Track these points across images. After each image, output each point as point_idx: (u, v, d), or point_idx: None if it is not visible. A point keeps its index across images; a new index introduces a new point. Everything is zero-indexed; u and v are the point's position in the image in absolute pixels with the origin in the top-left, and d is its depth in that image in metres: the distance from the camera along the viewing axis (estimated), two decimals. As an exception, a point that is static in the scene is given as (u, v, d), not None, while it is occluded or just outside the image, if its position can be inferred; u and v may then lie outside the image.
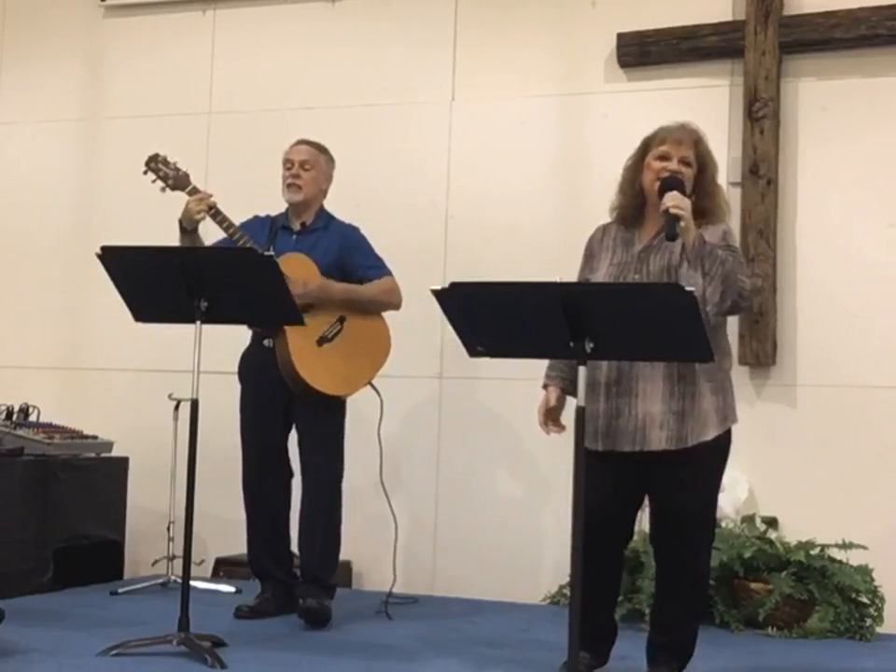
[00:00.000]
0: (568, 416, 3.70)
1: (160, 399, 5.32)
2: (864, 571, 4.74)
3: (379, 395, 4.68)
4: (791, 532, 5.00)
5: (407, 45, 5.92)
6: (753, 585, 4.76)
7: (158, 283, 3.95)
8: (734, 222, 5.29)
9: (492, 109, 5.78)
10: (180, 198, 4.57)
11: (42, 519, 5.13)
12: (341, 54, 6.00)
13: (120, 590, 5.13)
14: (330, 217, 4.81)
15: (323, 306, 4.56)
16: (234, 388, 4.79)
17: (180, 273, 3.87)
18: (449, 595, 5.43)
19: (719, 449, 3.60)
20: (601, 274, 3.67)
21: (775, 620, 4.69)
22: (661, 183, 3.54)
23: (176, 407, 5.24)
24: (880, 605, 4.74)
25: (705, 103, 5.44)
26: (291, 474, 4.75)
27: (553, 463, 5.11)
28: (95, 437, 5.60)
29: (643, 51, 5.50)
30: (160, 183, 4.60)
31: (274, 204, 4.82)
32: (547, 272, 3.78)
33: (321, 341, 4.56)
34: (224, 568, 5.59)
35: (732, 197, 5.31)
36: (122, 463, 5.65)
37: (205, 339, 3.97)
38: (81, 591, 5.20)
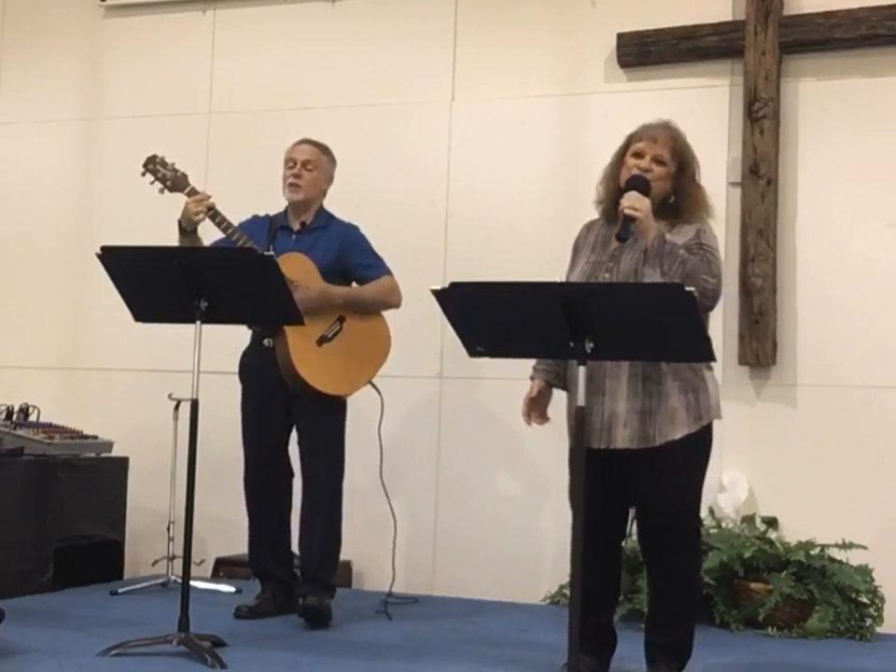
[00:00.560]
0: (554, 410, 3.76)
1: (160, 399, 5.32)
2: (864, 571, 4.74)
3: (380, 394, 4.68)
4: (791, 532, 5.00)
5: (407, 45, 5.92)
6: (753, 585, 4.76)
7: (158, 283, 3.95)
8: (733, 222, 5.33)
9: (492, 109, 5.78)
10: (180, 198, 4.57)
11: (42, 519, 5.13)
12: (341, 54, 6.00)
13: (120, 590, 5.13)
14: (330, 217, 4.81)
15: (323, 309, 4.56)
16: (234, 388, 4.79)
17: (180, 273, 3.87)
18: (449, 595, 5.43)
19: (693, 448, 3.56)
20: (577, 273, 3.69)
21: (775, 620, 4.69)
22: (626, 182, 3.55)
23: (176, 407, 5.24)
24: (880, 605, 4.74)
25: (705, 103, 5.44)
26: (292, 474, 4.75)
27: (552, 463, 5.06)
28: (95, 437, 5.60)
29: (643, 51, 5.50)
30: (158, 185, 4.59)
31: (274, 204, 4.82)
32: (547, 272, 3.79)
33: (321, 340, 4.57)
34: (224, 568, 5.58)
35: (732, 197, 5.35)
36: (122, 463, 5.65)
37: (205, 339, 3.97)
38: (81, 591, 5.20)
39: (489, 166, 5.71)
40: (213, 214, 4.50)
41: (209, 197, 4.50)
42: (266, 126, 5.97)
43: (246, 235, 4.56)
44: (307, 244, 4.67)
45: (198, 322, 3.92)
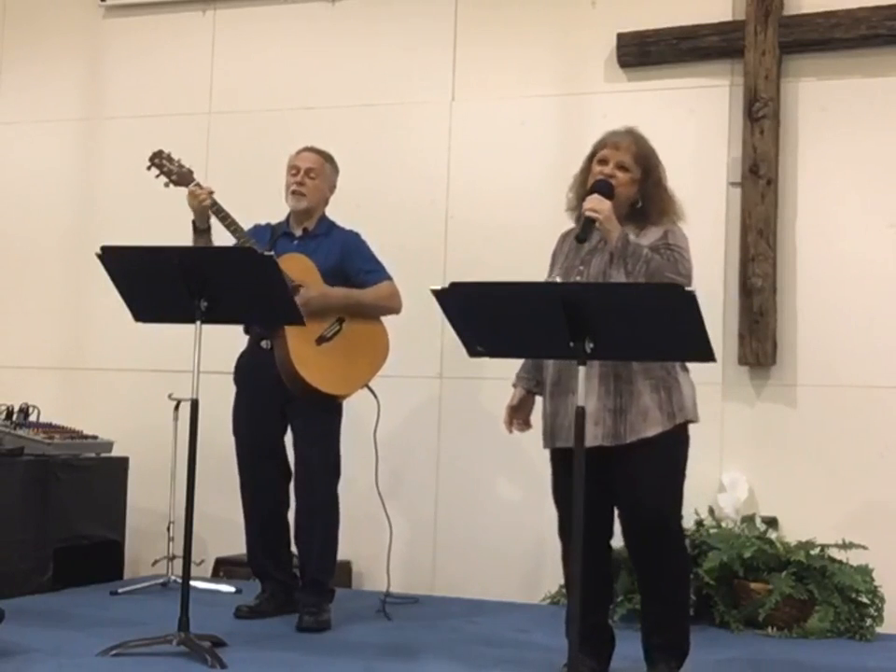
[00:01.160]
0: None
1: (160, 399, 5.32)
2: (864, 571, 4.74)
3: (376, 398, 4.68)
4: (791, 532, 5.00)
5: (407, 45, 5.92)
6: (753, 585, 4.76)
7: (158, 283, 3.95)
8: (733, 222, 5.33)
9: (492, 109, 5.78)
10: (182, 198, 4.56)
11: (42, 519, 5.13)
12: (341, 54, 6.00)
13: (120, 590, 5.13)
14: (332, 225, 4.80)
15: (323, 311, 4.56)
16: (234, 388, 4.79)
17: (180, 273, 3.87)
18: (449, 595, 5.43)
19: (667, 446, 3.55)
20: (552, 277, 3.74)
21: (775, 620, 4.69)
22: (589, 187, 3.61)
23: (176, 407, 5.24)
24: (880, 605, 4.73)
25: (705, 103, 5.45)
26: (290, 474, 4.75)
27: (552, 463, 5.11)
28: (95, 437, 5.60)
29: (643, 51, 5.50)
30: (163, 178, 4.59)
31: (274, 204, 4.81)
32: (547, 272, 3.80)
33: (320, 340, 4.57)
34: (224, 568, 5.59)
35: (732, 197, 5.36)
36: (122, 463, 5.65)
37: (205, 339, 3.97)
38: (81, 591, 5.20)
39: (489, 166, 5.71)
40: (216, 209, 4.50)
41: (211, 192, 4.50)
42: (266, 126, 5.97)
43: (248, 235, 4.57)
44: (308, 249, 4.67)
45: (198, 322, 3.93)
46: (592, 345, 3.24)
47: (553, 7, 5.73)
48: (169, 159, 4.60)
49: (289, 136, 4.98)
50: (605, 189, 3.56)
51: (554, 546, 3.75)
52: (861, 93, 5.26)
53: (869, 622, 4.72)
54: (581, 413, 3.29)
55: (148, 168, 4.60)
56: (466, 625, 4.74)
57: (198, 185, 4.53)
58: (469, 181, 5.75)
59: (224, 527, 5.37)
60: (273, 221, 4.81)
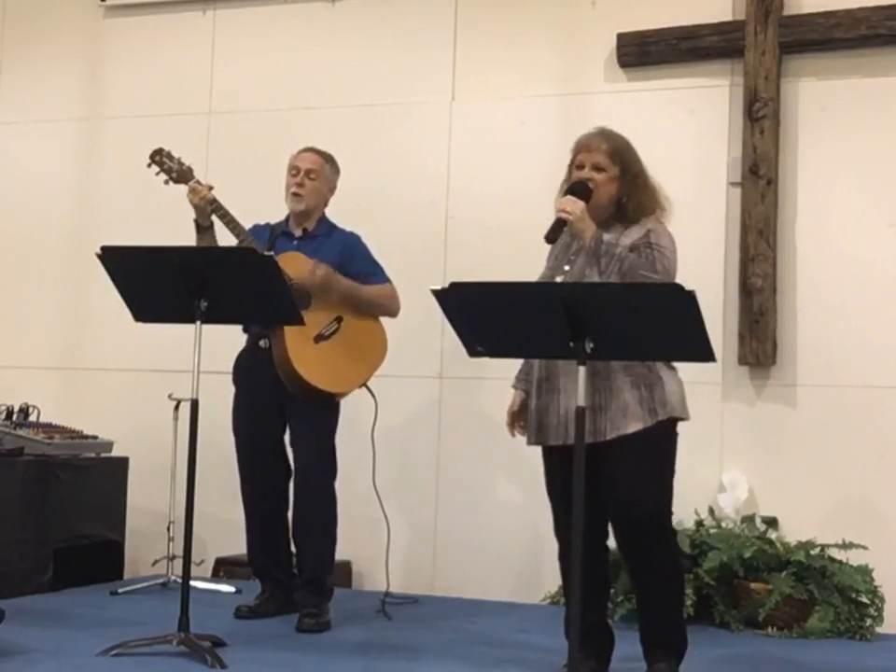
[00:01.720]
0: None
1: (160, 399, 5.32)
2: (864, 571, 4.74)
3: (374, 397, 4.68)
4: (791, 532, 5.00)
5: (407, 45, 5.92)
6: (753, 585, 4.76)
7: (158, 283, 3.95)
8: (733, 222, 5.33)
9: (492, 109, 5.78)
10: (182, 198, 4.56)
11: (42, 519, 5.13)
12: (341, 54, 6.00)
13: (120, 590, 5.13)
14: (332, 226, 4.80)
15: (321, 303, 4.55)
16: (233, 388, 4.79)
17: (180, 273, 3.87)
18: (449, 595, 5.43)
19: (650, 443, 3.54)
20: (539, 277, 3.77)
21: (775, 620, 4.69)
22: (565, 190, 3.64)
23: (176, 407, 5.24)
24: (880, 605, 4.74)
25: (705, 103, 5.45)
26: (289, 474, 4.75)
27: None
28: (95, 437, 5.60)
29: (643, 51, 5.50)
30: (163, 176, 4.59)
31: (274, 204, 4.81)
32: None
33: (318, 339, 4.56)
34: (224, 568, 5.59)
35: (732, 197, 5.36)
36: (122, 463, 5.65)
37: (205, 339, 3.97)
38: (81, 591, 5.20)
39: (489, 166, 5.71)
40: (216, 207, 4.50)
41: (211, 188, 4.50)
42: (266, 126, 5.97)
43: (250, 235, 4.57)
44: (308, 250, 4.66)
45: (198, 322, 3.92)
46: (592, 345, 3.24)
47: (553, 7, 5.73)
48: (169, 156, 4.60)
49: (289, 136, 4.98)
50: (580, 190, 3.59)
51: (554, 546, 3.75)
52: (861, 93, 5.26)
53: (869, 622, 4.72)
54: (581, 412, 3.28)
55: (149, 166, 4.60)
56: (466, 625, 4.74)
57: (198, 182, 4.54)
58: (468, 181, 5.75)
59: (224, 527, 5.37)
60: (273, 221, 4.81)
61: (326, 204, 4.82)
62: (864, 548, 4.81)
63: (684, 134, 5.45)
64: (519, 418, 3.81)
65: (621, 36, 5.53)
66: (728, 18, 5.43)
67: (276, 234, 4.74)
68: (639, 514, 3.53)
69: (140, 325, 4.15)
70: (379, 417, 4.72)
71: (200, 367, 3.94)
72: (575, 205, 3.52)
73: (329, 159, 4.81)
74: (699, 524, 5.05)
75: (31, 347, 6.30)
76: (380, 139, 5.87)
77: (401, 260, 4.99)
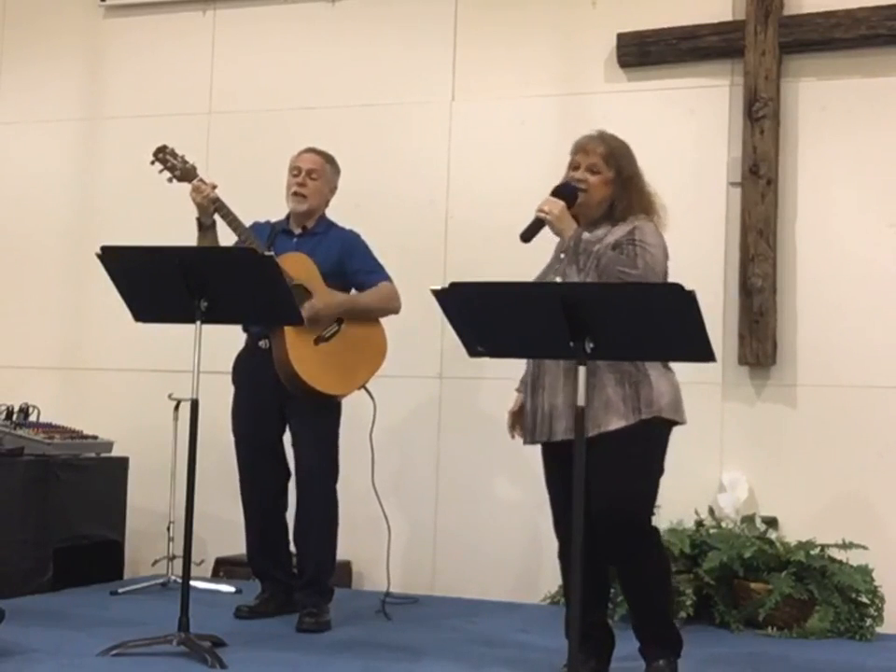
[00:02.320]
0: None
1: (160, 399, 5.32)
2: (864, 571, 4.74)
3: (373, 399, 4.67)
4: (791, 532, 5.00)
5: (407, 45, 5.92)
6: (753, 585, 4.76)
7: (158, 283, 3.95)
8: (733, 222, 5.33)
9: (492, 109, 5.78)
10: (182, 198, 4.56)
11: (42, 519, 5.13)
12: (341, 54, 6.00)
13: (120, 590, 5.13)
14: (331, 224, 4.81)
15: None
16: (233, 388, 4.79)
17: (180, 273, 3.87)
18: (449, 595, 5.43)
19: (633, 442, 3.51)
20: (534, 278, 3.78)
21: (775, 620, 4.69)
22: (551, 191, 3.66)
23: (176, 407, 5.24)
24: (880, 605, 4.74)
25: (705, 103, 5.45)
26: (288, 475, 4.75)
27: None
28: (95, 437, 5.60)
29: (643, 51, 5.50)
30: (167, 174, 4.59)
31: (274, 204, 4.82)
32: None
33: (318, 340, 4.56)
34: (224, 568, 5.59)
35: (732, 197, 5.36)
36: (122, 463, 5.65)
37: (205, 339, 3.97)
38: (81, 591, 5.20)
39: (489, 166, 5.71)
40: (219, 206, 4.50)
41: (214, 187, 4.50)
42: (266, 126, 5.97)
43: (252, 235, 4.57)
44: (308, 248, 4.67)
45: (198, 322, 3.92)
46: (592, 345, 3.24)
47: (553, 7, 5.73)
48: (173, 154, 4.60)
49: (289, 136, 4.98)
50: (564, 191, 3.62)
51: (554, 546, 3.76)
52: (861, 93, 5.26)
53: (869, 622, 4.72)
54: (580, 412, 3.28)
55: (152, 163, 4.60)
56: (466, 625, 4.74)
57: (201, 180, 4.54)
58: (469, 181, 5.75)
59: (224, 527, 5.37)
60: (273, 220, 4.81)
61: (327, 205, 4.82)
62: (864, 548, 4.81)
63: (684, 134, 5.45)
64: (518, 419, 3.81)
65: (621, 36, 5.53)
66: (728, 18, 5.43)
67: (276, 232, 4.75)
68: (615, 513, 3.49)
69: (140, 325, 4.15)
70: (379, 417, 4.72)
71: (200, 367, 3.94)
72: (554, 205, 3.56)
73: (329, 159, 4.81)
74: (699, 524, 5.06)
75: (31, 347, 6.30)
76: (380, 139, 5.87)
77: (401, 260, 4.99)
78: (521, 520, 5.43)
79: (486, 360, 3.58)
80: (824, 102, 5.31)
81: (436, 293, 3.32)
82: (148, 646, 3.86)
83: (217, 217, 4.55)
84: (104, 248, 3.94)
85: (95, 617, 4.58)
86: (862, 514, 5.05)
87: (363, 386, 4.67)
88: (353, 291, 4.72)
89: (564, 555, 3.68)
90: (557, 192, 3.63)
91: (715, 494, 5.18)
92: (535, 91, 5.71)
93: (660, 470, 3.64)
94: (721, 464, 5.26)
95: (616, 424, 3.52)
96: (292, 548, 4.77)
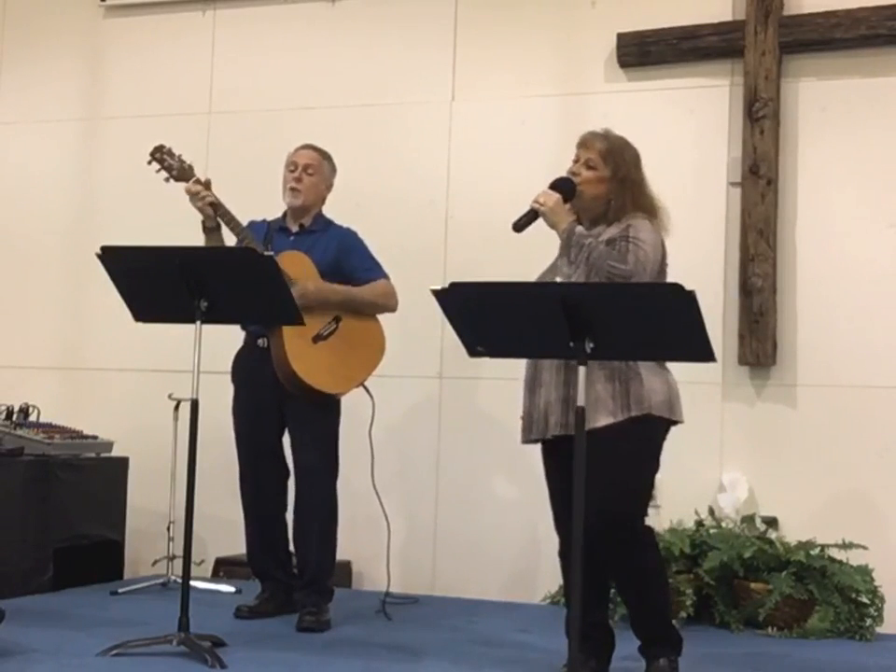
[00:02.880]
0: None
1: (160, 399, 5.32)
2: (864, 571, 4.74)
3: (371, 397, 4.67)
4: (791, 532, 5.00)
5: (407, 45, 5.92)
6: (753, 585, 4.76)
7: (158, 283, 3.95)
8: (733, 222, 5.33)
9: (492, 109, 5.78)
10: (182, 198, 4.56)
11: (42, 519, 5.13)
12: (341, 54, 6.00)
13: (120, 590, 5.13)
14: (329, 222, 4.80)
15: (319, 306, 4.55)
16: (233, 388, 4.79)
17: (180, 273, 3.86)
18: (449, 595, 5.43)
19: (620, 438, 3.48)
20: (537, 277, 3.79)
21: (775, 620, 4.69)
22: (549, 184, 3.66)
23: (176, 407, 5.24)
24: (880, 605, 4.73)
25: (705, 103, 5.45)
26: (287, 474, 4.75)
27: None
28: (95, 437, 5.60)
29: (643, 51, 5.50)
30: (163, 173, 4.59)
31: (274, 204, 4.82)
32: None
33: (316, 338, 4.56)
34: (224, 568, 5.58)
35: (732, 197, 5.36)
36: (122, 463, 5.65)
37: (205, 339, 3.97)
38: (81, 591, 5.20)
39: (489, 166, 5.71)
40: (216, 206, 4.50)
41: (208, 185, 4.50)
42: (266, 126, 5.97)
43: (252, 236, 4.57)
44: (305, 245, 4.67)
45: (198, 322, 3.92)
46: (592, 345, 3.24)
47: (552, 7, 5.73)
48: (170, 153, 4.61)
49: (289, 136, 4.97)
50: (562, 184, 3.62)
51: (554, 546, 3.75)
52: (861, 93, 5.26)
53: (869, 622, 4.71)
54: (581, 412, 3.28)
55: (149, 162, 4.61)
56: (466, 625, 4.74)
57: (197, 181, 4.54)
58: (469, 181, 5.75)
59: (224, 527, 5.37)
60: (270, 219, 4.81)
61: (323, 202, 4.82)
62: (864, 548, 4.81)
63: (684, 134, 5.45)
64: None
65: (621, 36, 5.53)
66: (728, 18, 5.43)
67: (273, 230, 4.74)
68: (604, 511, 3.43)
69: (140, 325, 4.15)
70: (379, 417, 4.72)
71: (200, 367, 3.94)
72: (549, 197, 3.57)
73: (326, 156, 4.81)
74: (699, 524, 5.05)
75: (31, 347, 6.30)
76: (380, 139, 5.87)
77: (401, 260, 4.99)
78: (521, 519, 5.43)
79: (486, 360, 3.58)
80: (824, 102, 5.31)
81: (436, 293, 3.32)
82: (148, 646, 3.86)
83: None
84: (104, 248, 3.94)
85: (95, 617, 4.58)
86: (862, 514, 5.05)
87: (362, 384, 4.67)
88: (350, 288, 4.73)
89: (564, 554, 3.68)
90: (555, 185, 3.64)
91: (715, 494, 5.18)
92: (535, 91, 5.71)
93: (652, 469, 3.61)
94: (720, 464, 5.26)
95: (604, 420, 3.49)
96: (292, 548, 4.77)
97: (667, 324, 3.21)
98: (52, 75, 6.45)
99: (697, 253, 5.15)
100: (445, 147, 5.82)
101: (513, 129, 5.72)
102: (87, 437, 5.56)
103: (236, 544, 5.05)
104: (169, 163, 4.59)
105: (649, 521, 3.70)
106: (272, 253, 4.13)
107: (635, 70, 5.56)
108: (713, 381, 5.19)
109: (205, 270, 3.89)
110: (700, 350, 3.27)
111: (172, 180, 4.58)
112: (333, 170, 4.84)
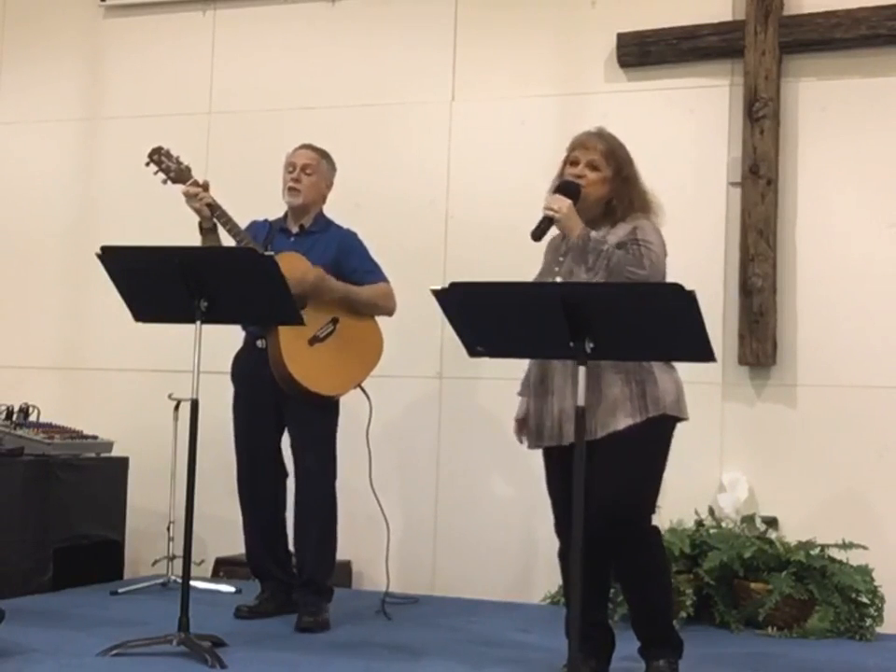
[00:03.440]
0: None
1: (160, 399, 5.32)
2: (864, 571, 4.74)
3: (368, 398, 4.67)
4: (791, 532, 5.00)
5: (407, 45, 5.92)
6: (753, 585, 4.76)
7: (158, 283, 3.95)
8: (733, 222, 5.33)
9: (492, 109, 5.78)
10: (182, 197, 4.56)
11: (42, 519, 5.13)
12: (341, 54, 6.00)
13: (120, 590, 5.13)
14: (329, 222, 4.80)
15: (317, 305, 4.54)
16: (232, 388, 4.79)
17: (180, 273, 3.87)
18: (448, 595, 5.43)
19: (640, 440, 3.52)
20: (533, 278, 3.78)
21: (775, 620, 4.69)
22: (554, 188, 3.64)
23: (176, 407, 5.24)
24: (880, 605, 4.73)
25: (705, 103, 5.45)
26: (286, 474, 4.75)
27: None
28: (95, 437, 5.60)
29: (643, 51, 5.50)
30: (161, 175, 4.59)
31: (274, 204, 4.82)
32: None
33: (313, 340, 4.55)
34: (224, 568, 5.59)
35: (732, 197, 5.36)
36: (122, 463, 5.65)
37: (205, 339, 3.97)
38: (81, 591, 5.20)
39: (489, 166, 5.71)
40: (213, 208, 4.50)
41: (206, 187, 4.50)
42: (266, 126, 5.97)
43: (250, 236, 4.57)
44: (305, 246, 4.66)
45: (198, 322, 3.92)
46: (592, 345, 3.24)
47: (552, 7, 5.73)
48: (168, 155, 4.61)
49: (289, 136, 4.97)
50: (569, 188, 3.60)
51: (554, 546, 3.75)
52: (861, 93, 5.26)
53: (869, 622, 4.72)
54: (581, 412, 3.28)
55: (147, 164, 4.61)
56: (466, 625, 4.74)
57: (194, 182, 4.54)
58: (469, 181, 5.75)
59: (224, 527, 5.36)
60: (272, 218, 4.81)
61: (323, 201, 4.81)
62: (864, 548, 4.81)
63: (684, 134, 5.45)
64: (525, 425, 3.79)
65: (621, 36, 5.53)
66: (728, 18, 5.43)
67: (274, 231, 4.74)
68: (622, 510, 3.49)
69: (140, 325, 4.15)
70: (379, 417, 4.73)
71: (200, 367, 3.94)
72: (561, 203, 3.54)
73: (325, 155, 4.81)
74: (699, 524, 5.06)
75: (31, 347, 6.30)
76: (380, 139, 5.87)
77: (401, 260, 4.99)
78: (521, 519, 5.43)
79: (486, 360, 3.57)
80: (824, 102, 5.31)
81: (436, 293, 3.32)
82: (148, 646, 3.86)
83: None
84: (104, 248, 3.94)
85: (95, 617, 4.58)
86: (863, 514, 5.05)
87: (359, 385, 4.67)
88: (350, 288, 4.73)
89: (565, 555, 3.68)
90: (562, 190, 3.60)
91: (715, 494, 5.18)
92: (535, 91, 5.71)
93: (663, 467, 3.65)
94: (720, 464, 5.26)
95: (624, 423, 3.53)
96: (291, 548, 4.77)
97: (667, 324, 3.21)
98: (52, 75, 6.45)
99: (697, 253, 5.15)
100: (445, 147, 5.82)
101: (513, 129, 5.72)
102: (87, 437, 5.56)
103: (236, 544, 5.05)
104: (167, 165, 4.59)
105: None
106: (272, 253, 4.13)
107: (635, 70, 5.56)
108: (713, 381, 5.19)
109: (205, 270, 3.89)
110: (700, 350, 3.27)
111: (170, 182, 4.58)
112: (332, 168, 4.84)
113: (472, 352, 3.45)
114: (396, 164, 5.83)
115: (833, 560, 4.78)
